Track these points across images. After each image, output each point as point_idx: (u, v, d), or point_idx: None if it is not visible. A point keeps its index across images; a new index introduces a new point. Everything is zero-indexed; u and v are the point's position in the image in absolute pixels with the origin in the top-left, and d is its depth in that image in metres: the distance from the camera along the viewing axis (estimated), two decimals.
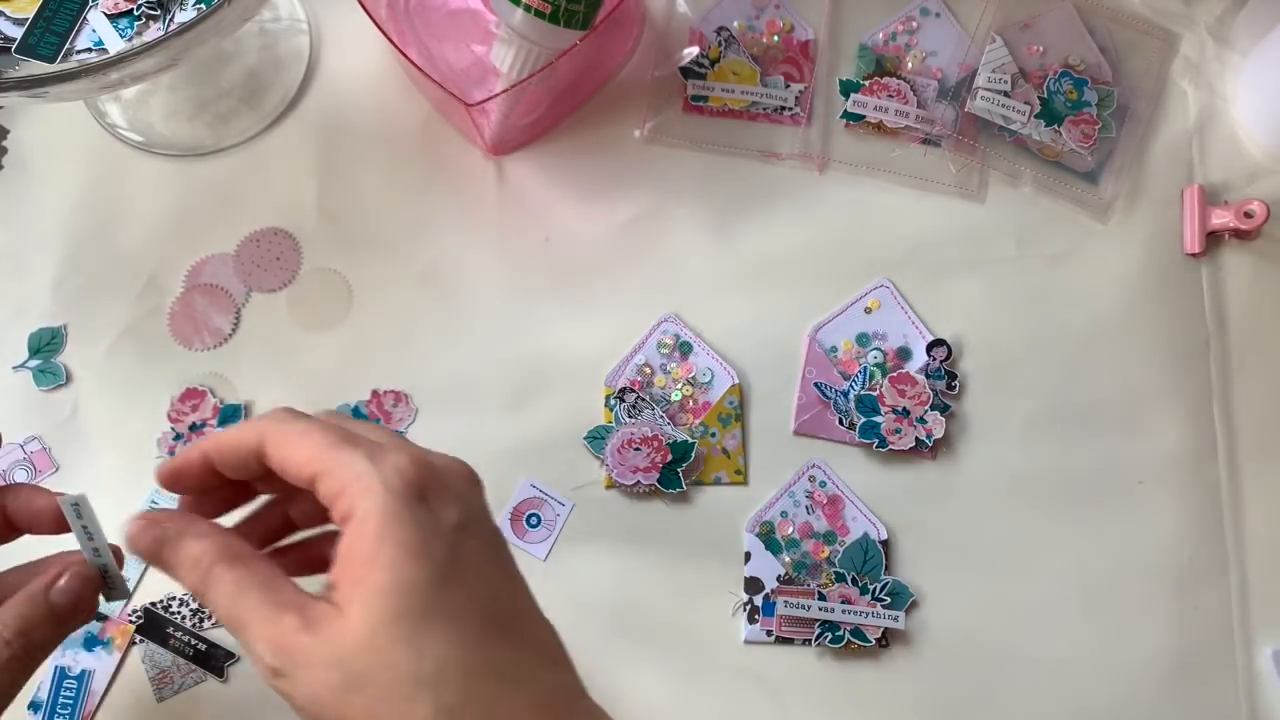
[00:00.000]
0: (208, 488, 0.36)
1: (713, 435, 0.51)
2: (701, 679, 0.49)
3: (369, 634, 0.31)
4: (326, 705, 0.31)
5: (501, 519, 0.51)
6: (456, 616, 0.32)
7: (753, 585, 0.50)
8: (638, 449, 0.50)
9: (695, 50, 0.56)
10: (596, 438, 0.51)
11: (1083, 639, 0.49)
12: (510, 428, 0.52)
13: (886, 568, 0.50)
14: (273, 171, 0.56)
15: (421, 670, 0.31)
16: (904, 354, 0.53)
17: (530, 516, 0.51)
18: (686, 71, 0.56)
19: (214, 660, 0.49)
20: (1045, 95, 0.55)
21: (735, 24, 0.57)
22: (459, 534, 0.33)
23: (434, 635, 0.31)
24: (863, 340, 0.53)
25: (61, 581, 0.36)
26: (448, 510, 0.33)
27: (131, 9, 0.48)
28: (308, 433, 0.33)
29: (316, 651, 0.31)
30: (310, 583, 0.34)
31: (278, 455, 0.33)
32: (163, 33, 0.47)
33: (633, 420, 0.51)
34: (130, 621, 0.50)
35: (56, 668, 0.49)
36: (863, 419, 0.51)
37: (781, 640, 0.49)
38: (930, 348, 0.52)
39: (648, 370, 0.53)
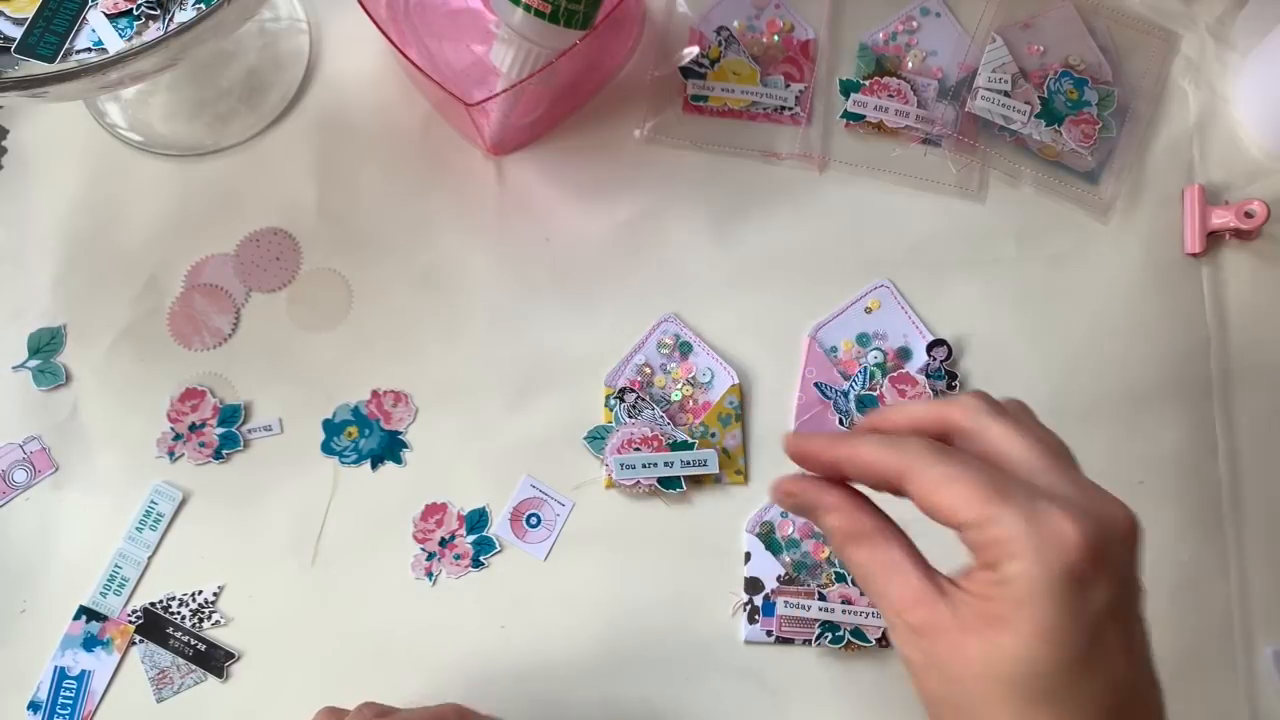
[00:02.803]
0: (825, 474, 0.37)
1: (713, 435, 0.51)
2: (701, 679, 0.49)
3: (980, 676, 0.32)
4: (945, 675, 0.33)
5: (501, 519, 0.51)
6: (1072, 707, 0.32)
7: (753, 585, 0.50)
8: (638, 449, 0.50)
9: (695, 50, 0.56)
10: (596, 438, 0.51)
11: None
12: (510, 428, 0.52)
13: None
14: (273, 171, 0.56)
15: None
16: (904, 354, 0.53)
17: (530, 516, 0.51)
18: (686, 71, 0.56)
19: (214, 660, 0.49)
20: (1045, 95, 0.55)
21: (735, 24, 0.57)
22: (1104, 621, 0.32)
23: (1041, 717, 0.32)
24: (863, 340, 0.53)
25: None
26: (1099, 592, 0.32)
27: (131, 9, 0.48)
28: (956, 479, 0.33)
29: (944, 637, 0.33)
30: None
31: (922, 497, 0.34)
32: (162, 33, 0.47)
33: (633, 420, 0.51)
34: (130, 622, 0.50)
35: (56, 668, 0.49)
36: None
37: (781, 640, 0.49)
38: (930, 348, 0.52)
39: (648, 370, 0.53)
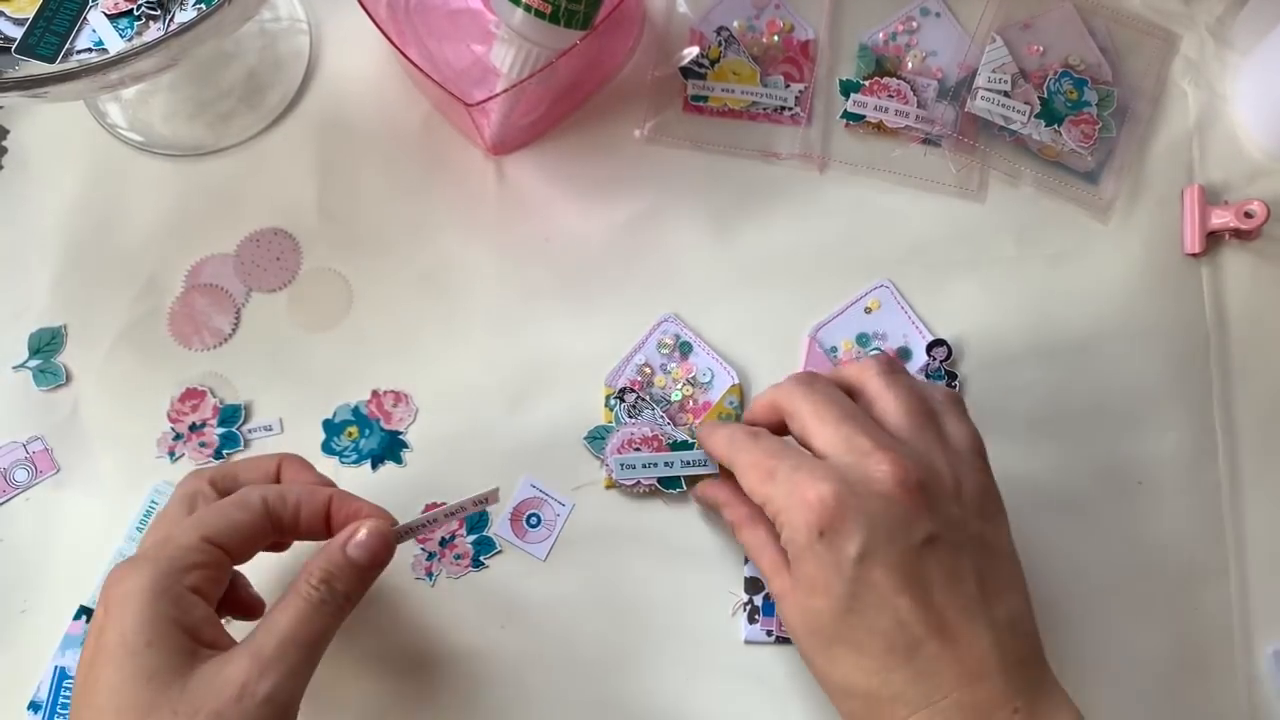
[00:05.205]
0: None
1: None
2: (701, 679, 0.49)
3: (798, 630, 0.40)
4: (792, 630, 0.41)
5: (501, 519, 0.51)
6: (857, 645, 0.38)
7: (753, 585, 0.50)
8: (638, 449, 0.50)
9: (695, 50, 0.56)
10: (596, 438, 0.51)
11: (1082, 639, 0.49)
12: (510, 428, 0.52)
13: None
14: (273, 171, 0.56)
15: (833, 678, 0.39)
16: (904, 354, 0.53)
17: (530, 516, 0.51)
18: (686, 71, 0.56)
19: None
20: (1045, 95, 0.55)
21: (735, 24, 0.57)
22: (860, 565, 0.37)
23: (840, 657, 0.38)
24: (863, 340, 0.53)
25: (359, 536, 0.40)
26: (849, 543, 0.38)
27: (131, 9, 0.48)
28: (749, 468, 0.42)
29: (786, 599, 0.41)
30: None
31: (741, 482, 0.42)
32: (163, 33, 0.47)
33: (633, 420, 0.51)
34: None
35: (57, 668, 0.49)
36: None
37: (781, 640, 0.49)
38: (930, 348, 0.52)
39: (648, 370, 0.53)
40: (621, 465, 0.50)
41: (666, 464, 0.50)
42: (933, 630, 0.37)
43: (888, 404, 0.42)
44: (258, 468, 0.44)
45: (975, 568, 0.39)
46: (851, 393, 0.43)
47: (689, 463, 0.49)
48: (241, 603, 0.44)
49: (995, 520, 0.41)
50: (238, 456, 0.52)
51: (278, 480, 0.44)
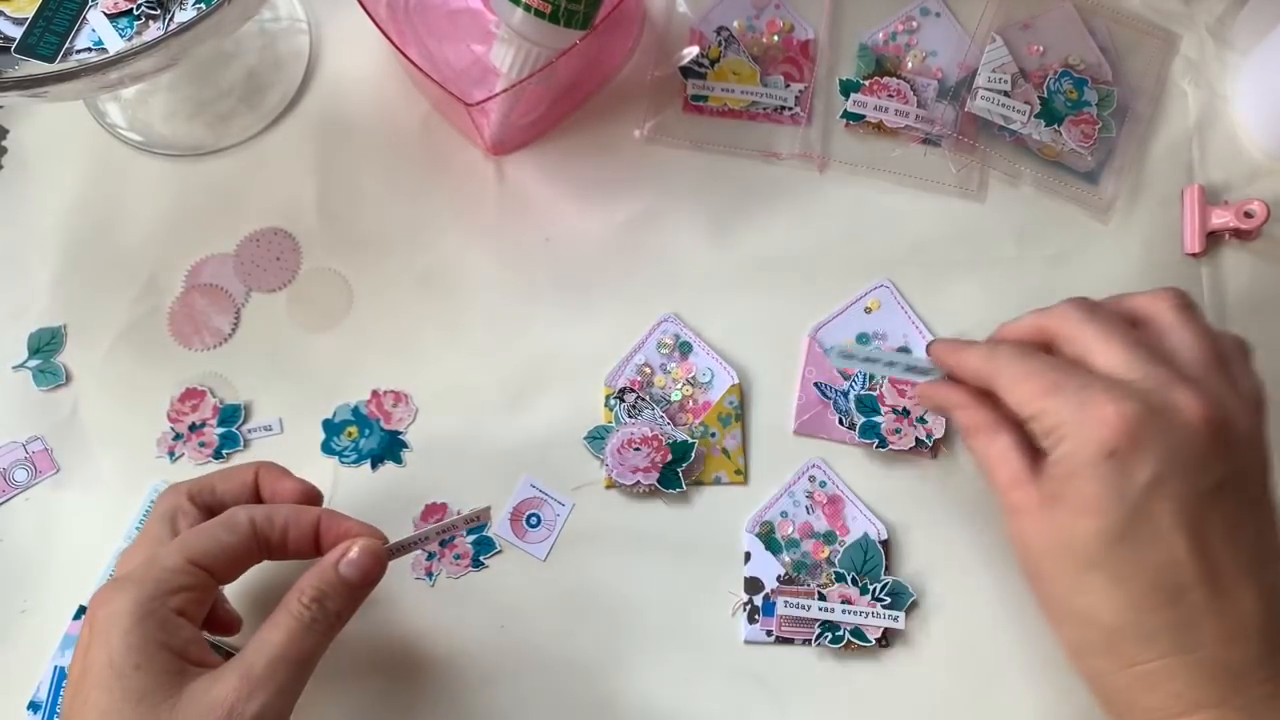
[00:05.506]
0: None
1: (713, 435, 0.51)
2: (701, 679, 0.49)
3: (1045, 548, 0.38)
4: (1027, 547, 0.39)
5: (501, 519, 0.51)
6: (1118, 576, 0.36)
7: (753, 585, 0.50)
8: (638, 449, 0.50)
9: (695, 50, 0.56)
10: (596, 438, 0.51)
11: None
12: (510, 428, 0.52)
13: (886, 568, 0.50)
14: (273, 171, 0.56)
15: (1074, 604, 0.37)
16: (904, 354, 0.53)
17: (530, 516, 0.51)
18: (686, 71, 0.56)
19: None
20: (1045, 95, 0.55)
21: (735, 24, 0.57)
22: (1147, 494, 0.36)
23: (1093, 585, 0.36)
24: (863, 340, 0.53)
25: (351, 554, 0.40)
26: (1141, 468, 0.36)
27: (131, 9, 0.48)
28: (1023, 379, 0.39)
29: (1029, 514, 0.38)
30: None
31: (1003, 397, 0.40)
32: (162, 32, 0.47)
33: (633, 420, 0.51)
34: None
35: (57, 668, 0.49)
36: (863, 419, 0.51)
37: (781, 640, 0.49)
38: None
39: (648, 370, 0.53)
40: (841, 354, 0.48)
41: (889, 363, 0.47)
42: (1203, 578, 0.35)
43: (1183, 338, 0.39)
44: (235, 478, 0.44)
45: (1255, 524, 0.37)
46: (1135, 323, 0.41)
47: (911, 367, 0.46)
48: (219, 620, 0.44)
49: (1269, 480, 0.39)
50: (238, 457, 0.52)
51: (256, 488, 0.44)
